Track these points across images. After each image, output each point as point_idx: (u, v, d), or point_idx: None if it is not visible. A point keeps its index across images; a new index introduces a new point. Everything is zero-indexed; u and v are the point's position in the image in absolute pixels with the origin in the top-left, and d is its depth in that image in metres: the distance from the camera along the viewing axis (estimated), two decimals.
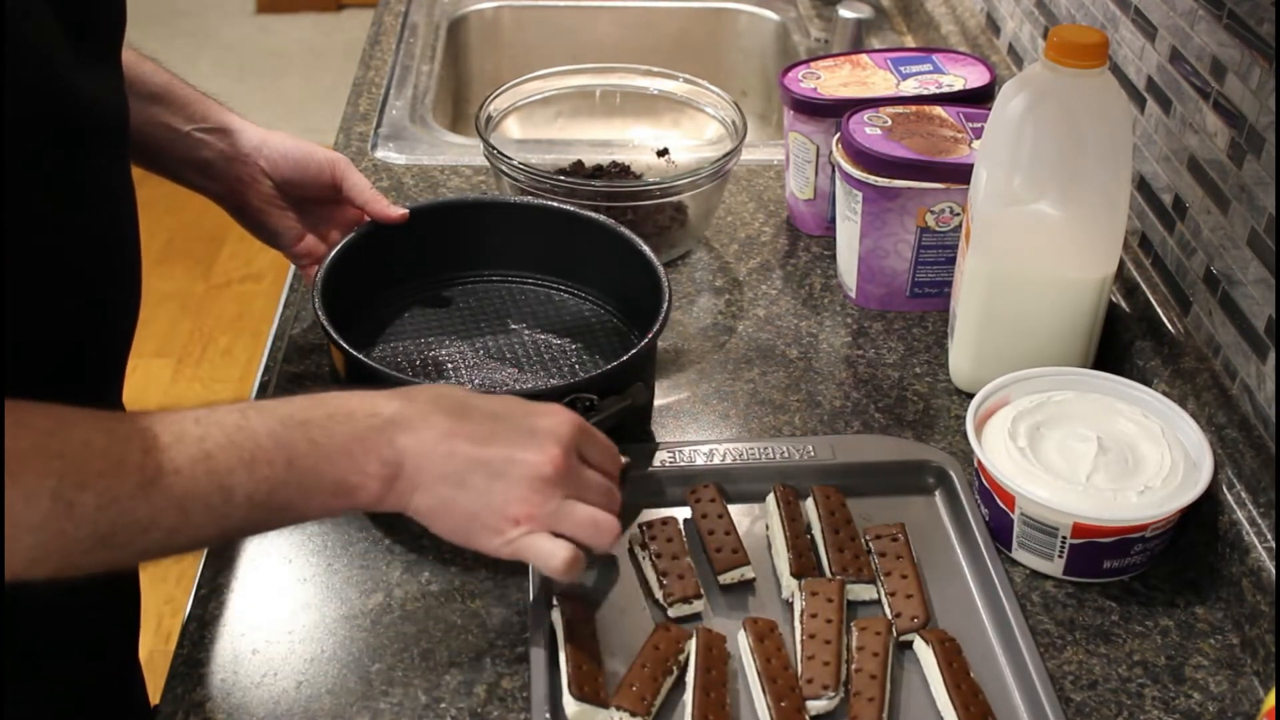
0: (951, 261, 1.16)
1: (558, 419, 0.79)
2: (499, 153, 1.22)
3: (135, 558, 0.72)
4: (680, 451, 0.98)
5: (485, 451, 0.76)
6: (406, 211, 1.08)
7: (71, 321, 0.83)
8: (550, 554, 0.76)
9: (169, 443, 0.68)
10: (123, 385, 0.97)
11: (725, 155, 1.23)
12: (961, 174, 1.10)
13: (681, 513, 0.95)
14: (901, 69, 1.30)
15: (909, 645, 0.86)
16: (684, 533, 0.92)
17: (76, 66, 0.76)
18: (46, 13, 0.73)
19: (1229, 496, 0.91)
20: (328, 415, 0.74)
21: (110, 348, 0.92)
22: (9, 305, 0.73)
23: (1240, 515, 0.90)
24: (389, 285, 1.11)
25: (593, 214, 1.11)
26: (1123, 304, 1.12)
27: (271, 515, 0.74)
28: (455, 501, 0.76)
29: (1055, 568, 0.92)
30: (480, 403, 0.78)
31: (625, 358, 0.97)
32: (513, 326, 1.11)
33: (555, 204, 1.14)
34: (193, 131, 1.03)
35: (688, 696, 0.80)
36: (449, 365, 1.07)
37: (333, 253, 1.03)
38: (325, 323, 0.95)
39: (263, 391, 1.07)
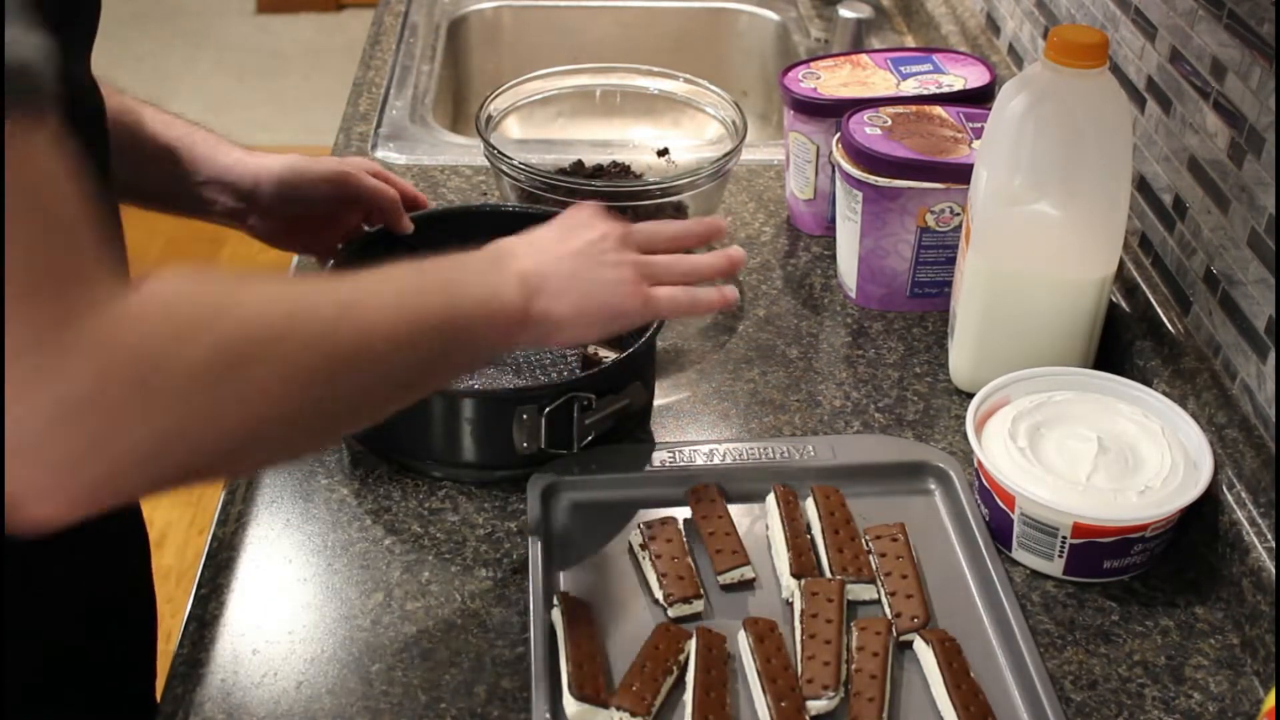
0: (951, 261, 1.16)
1: (588, 212, 0.90)
2: (499, 153, 1.22)
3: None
4: (680, 451, 0.98)
5: (571, 247, 0.85)
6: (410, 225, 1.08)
7: None
8: (691, 294, 0.88)
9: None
10: None
11: (725, 155, 1.23)
12: (961, 174, 1.10)
13: (681, 513, 0.95)
14: (901, 69, 1.30)
15: (909, 645, 0.86)
16: (684, 533, 0.92)
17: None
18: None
19: (1229, 496, 0.91)
20: (449, 263, 0.79)
21: None
22: None
23: (1240, 515, 0.90)
24: None
25: None
26: (1123, 304, 1.12)
27: (440, 330, 0.75)
28: (587, 293, 0.84)
29: (1055, 568, 0.92)
30: (541, 230, 0.88)
31: (622, 356, 0.97)
32: None
33: (553, 211, 1.14)
34: (195, 188, 1.04)
35: (688, 696, 0.80)
36: None
37: (332, 262, 1.04)
38: None
39: None
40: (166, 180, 1.02)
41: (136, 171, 0.97)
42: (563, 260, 0.85)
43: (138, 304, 0.60)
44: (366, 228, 1.08)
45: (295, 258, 1.21)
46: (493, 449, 0.96)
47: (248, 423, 0.63)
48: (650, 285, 0.87)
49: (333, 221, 1.09)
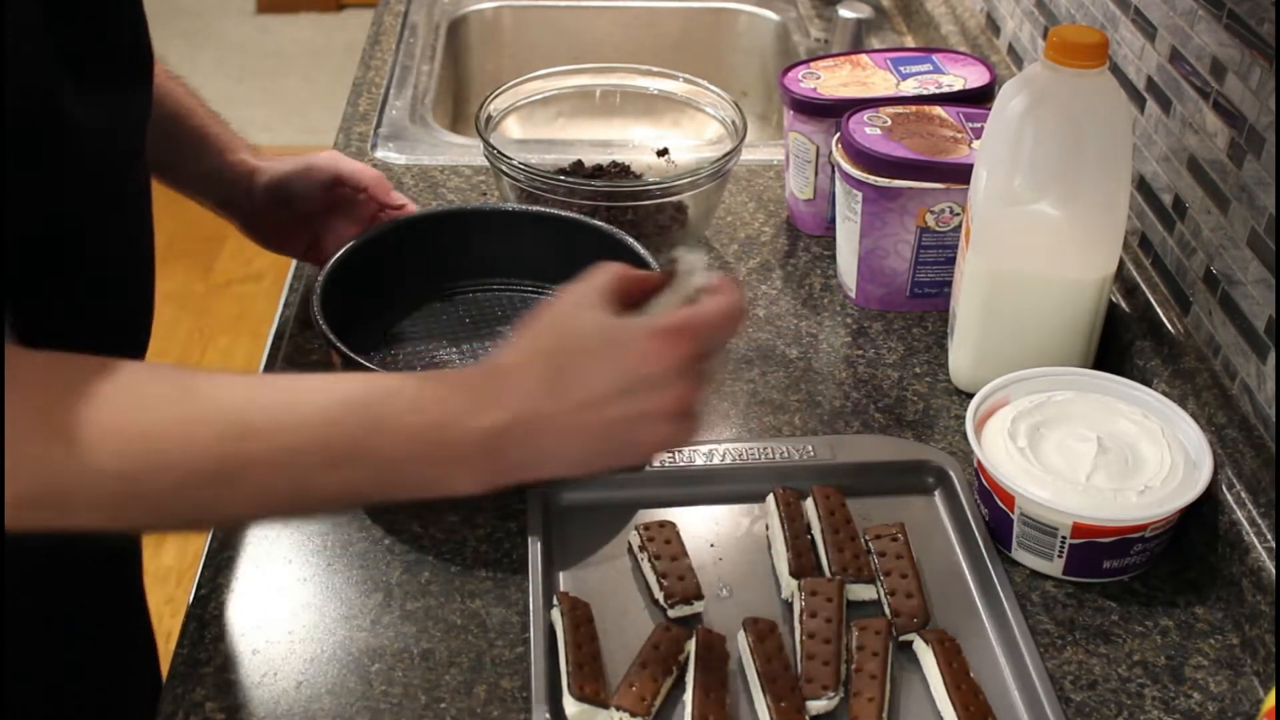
0: (951, 261, 1.16)
1: (668, 356, 0.69)
2: (499, 153, 1.22)
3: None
4: (680, 451, 0.98)
5: (608, 415, 0.68)
6: (406, 203, 1.09)
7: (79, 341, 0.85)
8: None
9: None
10: None
11: (725, 155, 1.23)
12: (961, 174, 1.10)
13: (681, 514, 0.95)
14: (901, 69, 1.30)
15: (909, 645, 0.86)
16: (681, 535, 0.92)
17: (73, 95, 0.77)
18: (41, 44, 0.73)
19: (1229, 496, 0.91)
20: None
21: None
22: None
23: (1240, 515, 0.90)
24: (388, 293, 1.11)
25: (588, 219, 1.12)
26: (1123, 304, 1.12)
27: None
28: (595, 455, 0.70)
29: (1055, 568, 0.92)
30: (578, 362, 0.69)
31: None
32: (511, 333, 1.11)
33: (551, 211, 1.14)
34: (197, 175, 1.06)
35: (688, 696, 0.80)
36: None
37: (333, 259, 1.04)
38: (325, 329, 0.95)
39: None
40: (171, 158, 1.04)
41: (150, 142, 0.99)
42: (579, 435, 0.69)
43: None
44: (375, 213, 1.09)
45: (293, 262, 1.21)
46: None
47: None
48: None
49: (323, 227, 1.10)
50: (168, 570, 2.27)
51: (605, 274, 0.74)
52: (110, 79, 0.81)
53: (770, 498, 0.94)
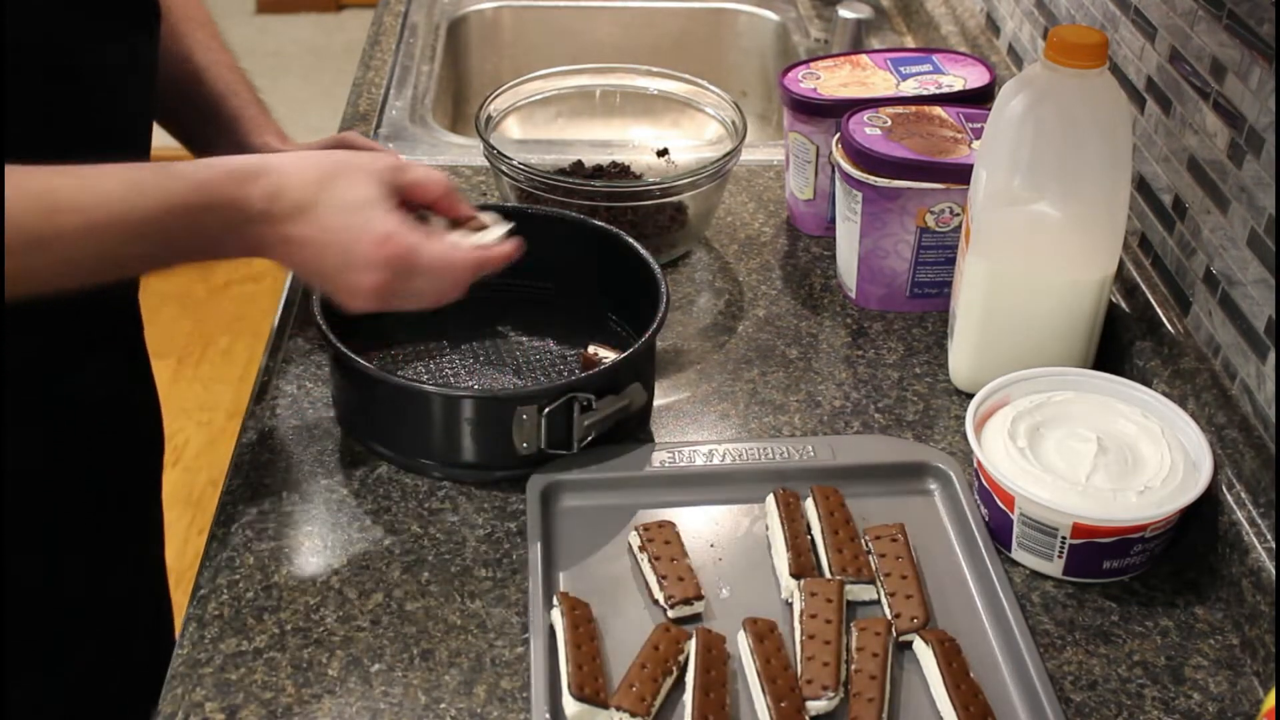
0: (951, 261, 1.16)
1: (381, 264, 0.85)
2: (499, 153, 1.22)
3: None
4: (680, 451, 0.98)
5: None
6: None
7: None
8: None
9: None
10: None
11: (725, 155, 1.23)
12: (961, 174, 1.10)
13: (681, 514, 0.95)
14: (901, 69, 1.30)
15: (909, 645, 0.86)
16: (681, 535, 0.92)
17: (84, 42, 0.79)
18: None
19: (1229, 497, 0.91)
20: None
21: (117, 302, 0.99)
22: None
23: (1240, 515, 0.90)
24: None
25: (588, 219, 1.12)
26: (1123, 304, 1.12)
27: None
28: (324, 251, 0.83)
29: (1055, 568, 0.92)
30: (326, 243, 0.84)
31: (622, 357, 0.97)
32: (511, 333, 1.11)
33: (552, 211, 1.14)
34: (227, 154, 1.08)
35: (688, 697, 0.80)
36: (449, 371, 1.07)
37: None
38: (325, 328, 0.95)
39: (261, 394, 1.07)
40: (209, 137, 1.08)
41: (182, 114, 1.04)
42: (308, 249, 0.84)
43: None
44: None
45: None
46: (492, 449, 0.96)
47: None
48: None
49: None
50: (168, 570, 2.27)
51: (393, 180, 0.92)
52: (123, 23, 0.84)
53: (770, 498, 0.94)
